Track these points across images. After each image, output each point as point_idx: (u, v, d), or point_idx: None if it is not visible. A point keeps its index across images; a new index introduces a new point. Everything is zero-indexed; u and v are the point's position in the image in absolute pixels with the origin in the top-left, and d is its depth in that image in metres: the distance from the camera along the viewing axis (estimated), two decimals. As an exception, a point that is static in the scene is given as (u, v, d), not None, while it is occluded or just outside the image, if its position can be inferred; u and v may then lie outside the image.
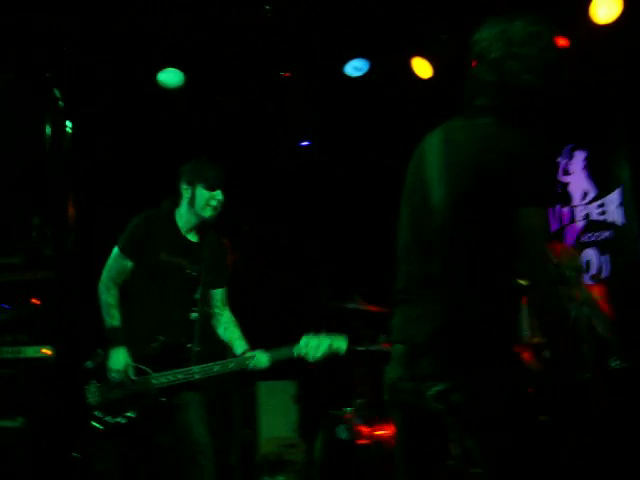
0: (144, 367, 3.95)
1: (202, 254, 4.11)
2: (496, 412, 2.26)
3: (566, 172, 6.35)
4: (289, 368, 6.01)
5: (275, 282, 6.55)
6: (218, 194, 4.07)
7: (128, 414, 3.90)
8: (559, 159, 6.32)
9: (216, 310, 4.25)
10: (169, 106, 5.97)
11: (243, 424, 6.12)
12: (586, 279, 6.05)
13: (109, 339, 3.97)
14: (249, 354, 4.06)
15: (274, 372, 6.16)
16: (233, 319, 4.28)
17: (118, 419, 3.89)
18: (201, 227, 4.15)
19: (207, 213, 4.07)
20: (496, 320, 2.29)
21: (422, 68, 5.81)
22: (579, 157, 6.27)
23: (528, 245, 2.25)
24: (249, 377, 6.03)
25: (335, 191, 6.51)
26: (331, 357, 3.96)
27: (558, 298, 2.27)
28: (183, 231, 4.14)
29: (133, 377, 3.93)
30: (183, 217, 4.13)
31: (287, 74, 6.04)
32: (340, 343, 3.98)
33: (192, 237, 4.16)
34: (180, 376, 3.94)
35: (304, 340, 3.97)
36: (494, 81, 2.43)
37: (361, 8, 5.37)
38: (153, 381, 3.94)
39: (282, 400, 6.34)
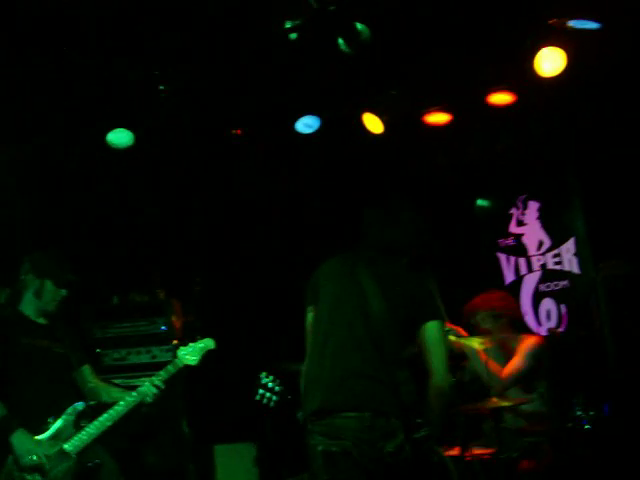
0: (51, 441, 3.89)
1: (59, 335, 4.23)
2: None
3: (520, 223, 6.37)
4: (248, 430, 5.95)
5: (232, 342, 6.40)
6: (65, 291, 4.23)
7: None
8: (512, 210, 6.36)
9: (90, 385, 4.33)
10: (118, 166, 5.88)
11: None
12: (542, 330, 6.07)
13: (3, 430, 3.86)
14: (140, 389, 4.16)
15: (232, 435, 6.07)
16: (107, 383, 4.42)
17: None
18: (47, 313, 4.25)
19: (51, 307, 4.22)
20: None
21: (373, 123, 5.82)
22: (533, 207, 6.30)
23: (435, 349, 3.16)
24: (205, 442, 5.95)
25: (287, 247, 6.42)
26: (205, 354, 4.38)
27: (450, 390, 3.22)
28: (33, 317, 4.22)
29: (47, 452, 3.84)
30: (30, 305, 4.21)
31: (238, 131, 6.01)
32: (208, 342, 4.39)
33: (42, 321, 4.24)
34: (92, 430, 3.98)
35: (180, 351, 4.32)
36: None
37: (311, 65, 5.38)
38: (67, 447, 3.90)
39: (241, 464, 6.13)
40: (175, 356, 4.35)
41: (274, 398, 4.14)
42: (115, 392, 4.30)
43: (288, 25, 4.58)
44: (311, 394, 3.12)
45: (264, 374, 4.13)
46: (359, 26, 4.54)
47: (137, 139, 5.71)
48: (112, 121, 5.65)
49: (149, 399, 4.14)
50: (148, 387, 4.15)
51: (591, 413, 4.75)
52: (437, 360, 3.14)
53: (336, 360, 3.11)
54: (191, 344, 4.35)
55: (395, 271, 3.28)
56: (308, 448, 3.09)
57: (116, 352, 5.84)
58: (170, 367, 4.26)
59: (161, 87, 5.20)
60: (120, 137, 5.71)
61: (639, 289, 5.20)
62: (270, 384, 4.36)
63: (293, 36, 4.57)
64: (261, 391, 4.19)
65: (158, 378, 4.19)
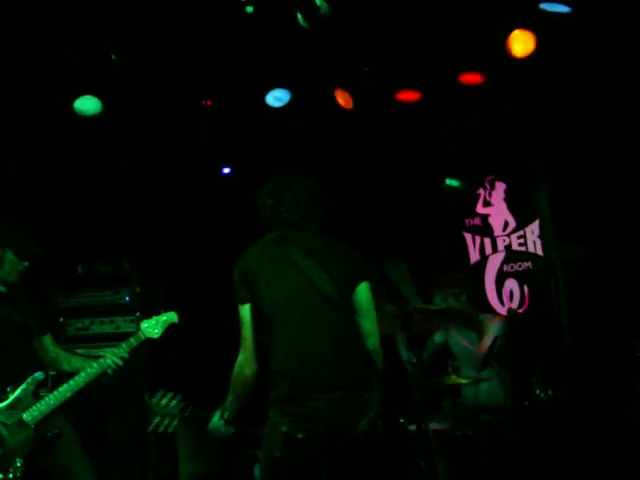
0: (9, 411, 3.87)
1: (20, 303, 4.17)
2: None
3: (487, 203, 6.42)
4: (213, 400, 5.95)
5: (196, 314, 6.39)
6: (26, 263, 4.16)
7: (17, 464, 3.78)
8: (480, 191, 6.41)
9: (52, 355, 4.28)
10: (84, 134, 5.80)
11: (160, 459, 5.92)
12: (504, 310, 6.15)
13: None
14: (101, 360, 4.12)
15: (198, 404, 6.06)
16: (68, 353, 4.36)
17: (9, 475, 3.77)
18: (8, 283, 4.19)
19: (12, 278, 4.16)
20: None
21: (344, 99, 5.80)
22: (499, 188, 6.35)
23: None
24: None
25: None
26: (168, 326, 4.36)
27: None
28: None
29: (5, 421, 3.82)
30: None
31: (208, 102, 5.95)
32: (172, 316, 4.37)
33: (2, 289, 4.19)
34: (52, 401, 3.96)
35: (143, 324, 4.29)
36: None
37: (284, 39, 5.34)
38: (25, 417, 3.88)
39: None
40: (138, 328, 4.33)
41: (174, 422, 3.47)
42: (76, 361, 4.25)
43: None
44: (279, 383, 3.02)
45: (156, 397, 3.48)
46: (317, 1, 4.49)
47: (105, 107, 5.63)
48: (79, 88, 5.56)
49: (110, 371, 4.12)
50: (109, 358, 4.12)
51: (550, 392, 4.84)
52: (372, 322, 3.15)
53: (301, 341, 3.03)
54: (155, 317, 4.33)
55: (323, 242, 3.24)
56: (268, 424, 3.01)
57: (79, 322, 5.80)
58: (132, 339, 4.24)
59: (113, 57, 5.10)
60: (87, 104, 5.63)
61: (596, 272, 5.29)
62: (165, 405, 3.52)
63: (249, 9, 4.51)
64: (156, 419, 3.46)
65: (120, 350, 4.17)
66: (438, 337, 5.17)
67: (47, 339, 4.31)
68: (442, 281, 5.17)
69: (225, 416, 3.21)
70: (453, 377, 4.37)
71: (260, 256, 3.22)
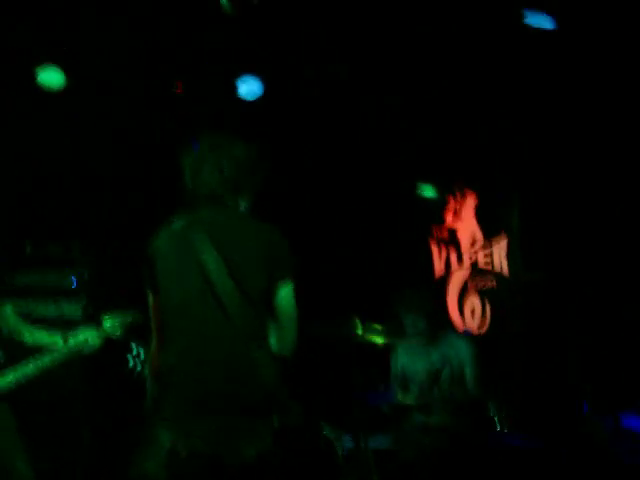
0: None
1: None
2: None
3: (457, 215, 6.26)
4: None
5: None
6: None
7: None
8: (450, 202, 6.25)
9: (12, 327, 3.98)
10: (42, 110, 5.57)
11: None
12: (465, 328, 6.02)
13: None
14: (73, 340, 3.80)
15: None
16: (33, 326, 4.05)
17: None
18: None
19: None
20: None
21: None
22: (470, 202, 6.19)
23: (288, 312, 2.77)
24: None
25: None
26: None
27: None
28: None
29: None
30: None
31: (179, 90, 5.75)
32: (136, 316, 3.98)
33: None
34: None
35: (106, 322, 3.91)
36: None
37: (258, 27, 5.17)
38: None
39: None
40: (99, 324, 3.95)
41: (138, 367, 3.70)
42: (41, 335, 3.95)
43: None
44: (164, 394, 2.78)
45: (134, 344, 3.70)
46: None
47: (69, 83, 5.43)
48: (43, 61, 5.35)
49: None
50: (91, 339, 3.81)
51: (503, 415, 4.72)
52: (289, 327, 2.75)
53: (191, 353, 2.72)
54: (114, 315, 4.01)
55: (242, 232, 2.81)
56: (148, 434, 2.83)
57: (22, 302, 5.57)
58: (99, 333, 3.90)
59: None
60: (51, 78, 5.42)
61: (558, 298, 5.17)
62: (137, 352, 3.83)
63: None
64: (131, 359, 3.72)
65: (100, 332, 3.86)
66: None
67: (8, 309, 4.00)
68: (412, 301, 4.91)
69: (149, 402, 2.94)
70: (400, 396, 4.20)
71: (167, 243, 2.83)
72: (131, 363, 4.11)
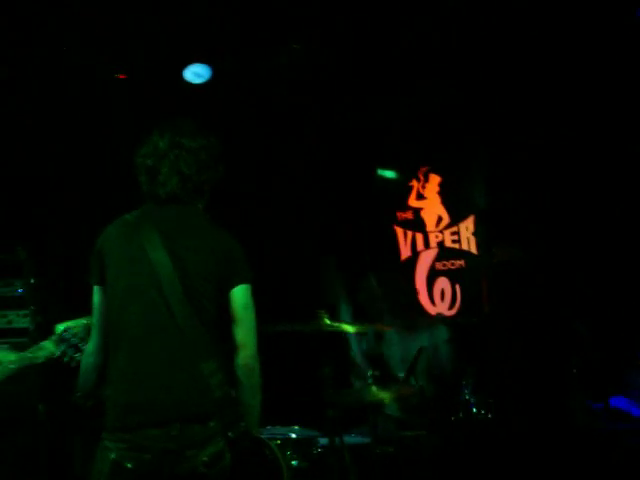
0: None
1: None
2: None
3: (420, 196, 6.06)
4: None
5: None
6: None
7: None
8: (413, 182, 6.06)
9: None
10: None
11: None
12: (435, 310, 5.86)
13: None
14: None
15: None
16: None
17: None
18: None
19: None
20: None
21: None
22: (434, 181, 6.00)
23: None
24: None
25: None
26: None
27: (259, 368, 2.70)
28: None
29: None
30: None
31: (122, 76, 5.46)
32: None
33: None
34: None
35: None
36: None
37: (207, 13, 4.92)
38: None
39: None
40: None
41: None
42: None
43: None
44: (108, 403, 2.63)
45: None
46: None
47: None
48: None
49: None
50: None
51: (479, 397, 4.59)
52: (246, 331, 2.64)
53: (135, 359, 2.58)
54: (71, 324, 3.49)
55: (196, 232, 2.70)
56: (99, 447, 2.59)
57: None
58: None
59: None
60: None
61: (530, 276, 5.03)
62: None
63: None
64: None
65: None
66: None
67: None
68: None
69: (77, 394, 2.87)
70: (374, 390, 3.99)
71: (117, 240, 2.69)
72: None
